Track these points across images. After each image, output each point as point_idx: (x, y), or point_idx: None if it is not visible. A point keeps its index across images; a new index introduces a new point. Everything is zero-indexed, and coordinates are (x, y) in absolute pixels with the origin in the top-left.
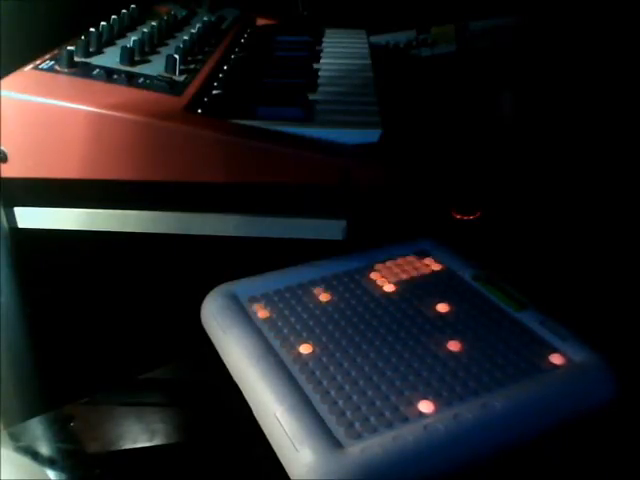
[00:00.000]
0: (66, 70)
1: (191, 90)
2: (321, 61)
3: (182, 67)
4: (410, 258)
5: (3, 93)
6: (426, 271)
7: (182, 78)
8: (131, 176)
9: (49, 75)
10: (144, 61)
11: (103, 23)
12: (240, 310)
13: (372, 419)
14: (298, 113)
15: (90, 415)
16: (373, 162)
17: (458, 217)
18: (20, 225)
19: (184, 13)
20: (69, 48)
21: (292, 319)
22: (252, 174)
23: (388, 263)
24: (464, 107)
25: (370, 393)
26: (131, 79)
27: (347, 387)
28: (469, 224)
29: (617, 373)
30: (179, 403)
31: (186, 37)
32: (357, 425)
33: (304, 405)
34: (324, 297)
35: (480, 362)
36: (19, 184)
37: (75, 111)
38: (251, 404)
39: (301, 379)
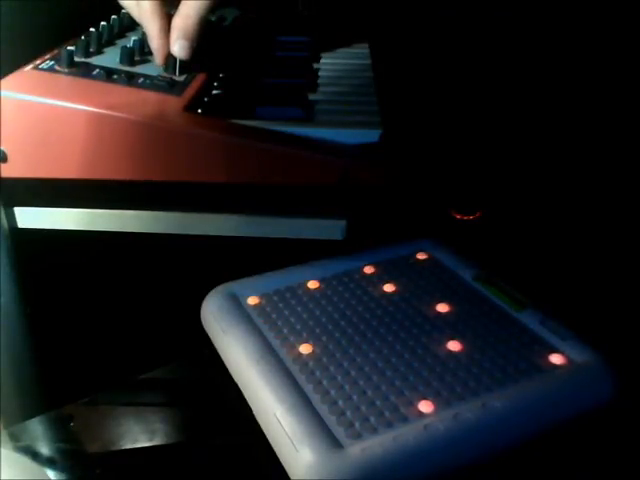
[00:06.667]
0: (66, 70)
1: (191, 90)
2: (321, 61)
3: (182, 67)
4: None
5: (3, 93)
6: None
7: (182, 78)
8: (131, 176)
9: (49, 75)
10: (144, 61)
11: (103, 23)
12: (240, 310)
13: (372, 419)
14: (298, 113)
15: (90, 415)
16: (373, 162)
17: (458, 217)
18: (20, 225)
19: None
20: (69, 48)
21: (292, 319)
22: (252, 174)
23: (388, 263)
24: (464, 107)
25: (370, 393)
26: (131, 79)
27: (347, 387)
28: (469, 224)
29: (617, 373)
30: (179, 403)
31: None
32: (357, 425)
33: (304, 405)
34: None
35: (480, 362)
36: (19, 184)
37: (75, 111)
38: (251, 404)
39: (301, 379)
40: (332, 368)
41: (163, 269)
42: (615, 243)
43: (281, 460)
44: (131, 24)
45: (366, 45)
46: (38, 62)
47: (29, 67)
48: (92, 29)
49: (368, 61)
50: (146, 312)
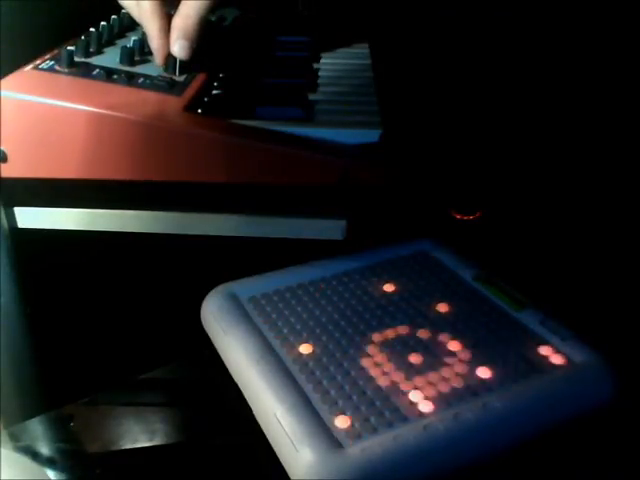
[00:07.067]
0: (66, 70)
1: (191, 90)
2: (321, 61)
3: (182, 67)
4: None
5: (3, 93)
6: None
7: (182, 78)
8: (131, 176)
9: (49, 75)
10: (144, 61)
11: (103, 23)
12: (240, 310)
13: (372, 419)
14: (298, 113)
15: (90, 415)
16: (373, 162)
17: (458, 217)
18: (20, 225)
19: None
20: (69, 48)
21: (292, 319)
22: (252, 174)
23: (388, 263)
24: (464, 107)
25: (370, 393)
26: (131, 79)
27: (347, 387)
28: (469, 224)
29: (617, 373)
30: (179, 403)
31: None
32: (357, 425)
33: (304, 405)
34: (318, 291)
35: (480, 362)
36: (19, 184)
37: (75, 111)
38: (251, 404)
39: (301, 379)
40: (332, 368)
41: (163, 269)
42: (615, 243)
43: (281, 460)
44: (131, 24)
45: (366, 45)
46: (38, 62)
47: (29, 67)
48: (92, 29)
49: (368, 61)
50: (146, 312)
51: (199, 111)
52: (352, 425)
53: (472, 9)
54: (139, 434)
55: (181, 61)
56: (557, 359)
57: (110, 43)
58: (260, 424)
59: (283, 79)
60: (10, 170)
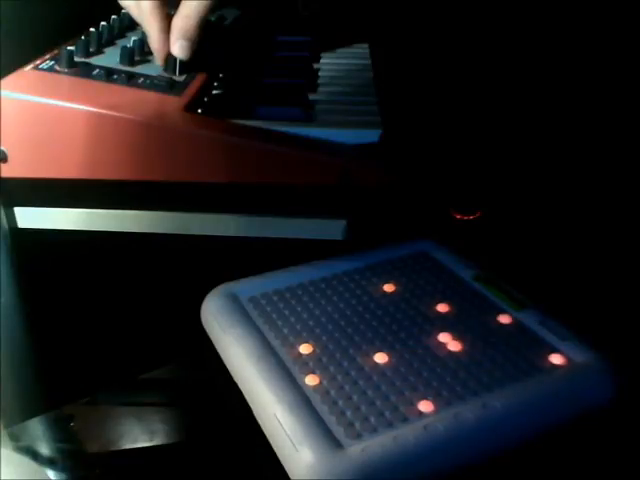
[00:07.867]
0: (66, 70)
1: (191, 90)
2: (321, 61)
3: (182, 67)
4: None
5: (3, 93)
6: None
7: (182, 78)
8: (131, 176)
9: (49, 75)
10: (144, 61)
11: (103, 23)
12: (240, 310)
13: (372, 419)
14: (298, 113)
15: (90, 415)
16: (373, 162)
17: (458, 217)
18: (20, 225)
19: None
20: (69, 48)
21: (292, 319)
22: (252, 174)
23: (388, 263)
24: (464, 107)
25: (370, 393)
26: (131, 79)
27: (347, 387)
28: (469, 224)
29: (617, 373)
30: (179, 403)
31: None
32: (357, 425)
33: (304, 405)
34: (319, 291)
35: (480, 362)
36: (19, 184)
37: (75, 111)
38: (251, 404)
39: (301, 379)
40: (332, 368)
41: (163, 269)
42: (615, 243)
43: (281, 460)
44: (131, 24)
45: (366, 45)
46: (38, 62)
47: (29, 67)
48: (92, 29)
49: (368, 61)
50: (146, 312)
51: (199, 111)
52: (352, 425)
53: (472, 9)
54: (139, 434)
55: (181, 61)
56: (557, 359)
57: (110, 43)
58: (260, 424)
59: (283, 79)
60: (10, 170)
